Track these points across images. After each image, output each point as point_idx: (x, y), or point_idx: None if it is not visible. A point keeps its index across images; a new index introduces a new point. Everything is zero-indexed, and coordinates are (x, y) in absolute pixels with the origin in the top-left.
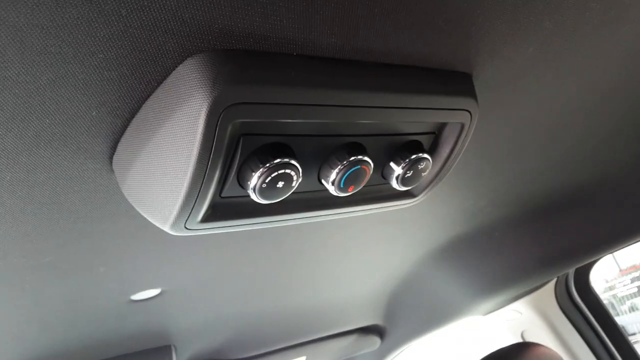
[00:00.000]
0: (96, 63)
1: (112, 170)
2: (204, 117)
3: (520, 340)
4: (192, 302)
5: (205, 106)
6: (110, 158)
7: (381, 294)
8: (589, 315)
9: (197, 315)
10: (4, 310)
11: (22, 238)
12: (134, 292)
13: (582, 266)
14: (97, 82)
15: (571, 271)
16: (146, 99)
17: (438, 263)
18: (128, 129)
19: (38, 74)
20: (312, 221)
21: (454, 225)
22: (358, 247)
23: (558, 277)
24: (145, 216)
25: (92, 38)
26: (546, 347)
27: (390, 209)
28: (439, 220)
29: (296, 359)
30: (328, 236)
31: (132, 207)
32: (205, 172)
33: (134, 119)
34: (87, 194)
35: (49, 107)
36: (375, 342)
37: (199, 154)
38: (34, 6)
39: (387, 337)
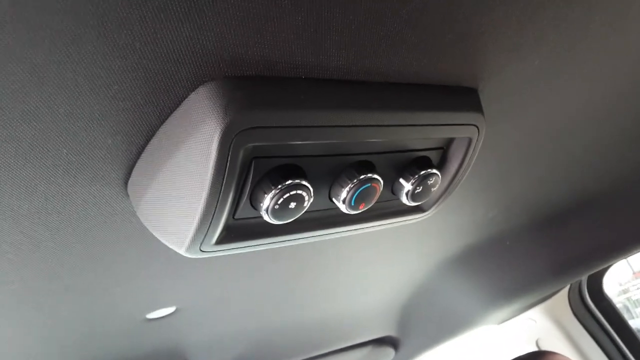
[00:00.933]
0: (111, 94)
1: (127, 195)
2: (217, 143)
3: (535, 348)
4: (206, 319)
5: (218, 133)
6: (125, 183)
7: (394, 305)
8: (604, 321)
9: (211, 332)
10: (22, 332)
11: (39, 262)
12: (150, 311)
13: (595, 272)
14: (112, 112)
15: (584, 278)
16: (160, 125)
17: (450, 273)
18: (142, 155)
19: (55, 106)
20: (324, 239)
21: (465, 235)
22: (369, 260)
23: (571, 284)
24: (161, 240)
25: (107, 71)
26: (562, 356)
27: (401, 224)
28: (449, 231)
29: None
30: (339, 250)
31: (147, 230)
32: (219, 196)
33: (148, 145)
34: (102, 218)
35: (66, 138)
36: (389, 353)
37: (212, 179)
38: (51, 44)
39: (401, 348)
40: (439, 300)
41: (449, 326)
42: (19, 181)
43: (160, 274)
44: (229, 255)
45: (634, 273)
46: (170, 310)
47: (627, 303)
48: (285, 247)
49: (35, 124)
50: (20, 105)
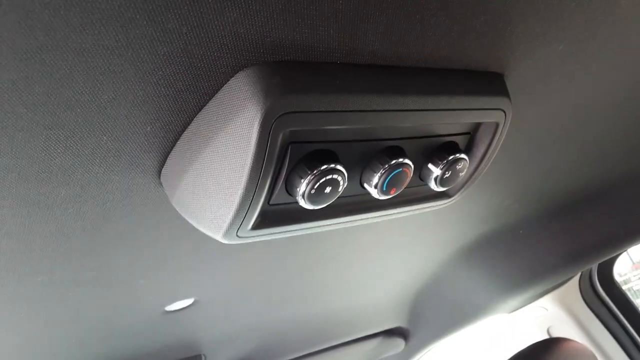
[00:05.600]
0: (154, 80)
1: (160, 184)
2: (257, 127)
3: (546, 336)
4: (222, 311)
5: (259, 117)
6: (159, 172)
7: (405, 295)
8: (614, 308)
9: (227, 324)
10: (46, 326)
11: (69, 253)
12: (169, 303)
13: (605, 260)
14: (154, 99)
15: (594, 266)
16: (198, 112)
17: (462, 262)
18: (178, 142)
19: (100, 92)
20: (355, 225)
21: (480, 224)
22: (383, 250)
23: (582, 272)
24: (197, 227)
25: (153, 56)
26: (576, 342)
27: (427, 210)
28: (465, 220)
29: None
30: (353, 240)
31: (175, 219)
32: (258, 181)
33: (185, 132)
34: (134, 207)
35: (107, 125)
36: (399, 344)
37: (252, 164)
38: (102, 28)
39: (411, 339)
40: (450, 290)
41: (459, 316)
42: (57, 169)
43: (184, 265)
44: (248, 246)
45: (633, 264)
46: (188, 302)
47: (629, 293)
48: (300, 239)
49: (79, 110)
50: (66, 91)
